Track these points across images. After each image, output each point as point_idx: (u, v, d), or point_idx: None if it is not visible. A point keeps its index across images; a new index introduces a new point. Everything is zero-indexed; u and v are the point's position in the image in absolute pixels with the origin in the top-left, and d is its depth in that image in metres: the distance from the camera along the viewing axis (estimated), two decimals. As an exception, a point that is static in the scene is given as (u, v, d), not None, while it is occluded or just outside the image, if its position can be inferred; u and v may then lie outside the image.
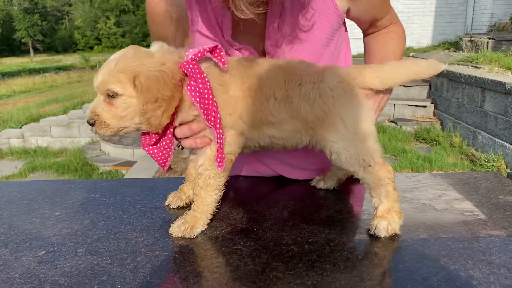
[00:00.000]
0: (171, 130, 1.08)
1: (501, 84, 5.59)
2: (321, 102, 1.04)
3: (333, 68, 1.09)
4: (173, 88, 0.99)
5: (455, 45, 10.07)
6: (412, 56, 9.82)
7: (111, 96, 0.99)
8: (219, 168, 1.04)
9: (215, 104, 1.00)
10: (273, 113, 1.05)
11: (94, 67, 30.94)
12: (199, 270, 0.88)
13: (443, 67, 1.13)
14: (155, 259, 0.93)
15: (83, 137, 11.87)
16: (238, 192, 1.32)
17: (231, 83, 1.04)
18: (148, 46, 1.11)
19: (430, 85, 8.15)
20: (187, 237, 1.02)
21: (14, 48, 62.27)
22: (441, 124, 7.54)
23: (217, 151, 1.03)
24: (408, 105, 8.01)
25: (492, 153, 5.75)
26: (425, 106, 7.98)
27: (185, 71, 1.00)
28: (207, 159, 1.06)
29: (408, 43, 11.33)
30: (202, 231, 1.05)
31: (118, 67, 0.98)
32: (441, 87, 7.66)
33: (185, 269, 0.88)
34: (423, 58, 8.91)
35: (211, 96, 1.00)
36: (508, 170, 5.34)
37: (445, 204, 1.18)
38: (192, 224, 1.04)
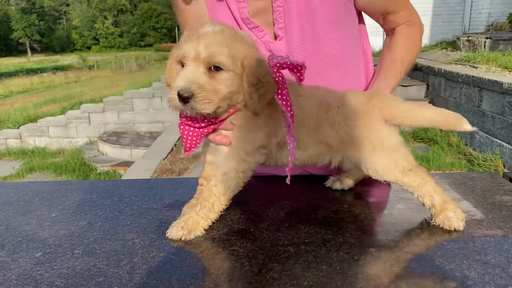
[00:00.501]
0: (218, 124, 1.05)
1: (498, 83, 5.60)
2: (345, 126, 1.07)
3: (353, 92, 1.14)
4: (269, 73, 0.98)
5: (453, 45, 10.09)
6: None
7: (215, 69, 0.94)
8: (288, 172, 1.03)
9: (292, 113, 0.99)
10: (304, 140, 1.08)
11: (91, 67, 30.89)
12: (195, 271, 0.88)
13: (468, 127, 1.06)
14: (152, 260, 0.93)
15: (81, 137, 11.87)
16: (235, 192, 1.32)
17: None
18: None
19: (427, 85, 8.17)
20: (182, 239, 1.02)
21: (12, 48, 62.15)
22: (439, 123, 7.55)
23: (290, 158, 1.02)
24: (406, 104, 8.00)
25: (490, 152, 5.76)
26: (422, 106, 7.98)
27: (275, 77, 0.99)
28: (232, 170, 1.04)
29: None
30: (199, 232, 1.05)
31: (227, 41, 0.94)
32: (438, 87, 7.68)
33: (182, 270, 0.89)
34: (421, 58, 8.94)
35: (291, 105, 0.99)
36: (505, 170, 5.36)
37: (441, 204, 1.19)
38: (193, 228, 1.02)
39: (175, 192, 1.32)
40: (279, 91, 0.99)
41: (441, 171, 5.55)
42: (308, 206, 1.19)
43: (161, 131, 11.14)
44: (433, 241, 0.98)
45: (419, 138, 7.16)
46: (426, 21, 12.19)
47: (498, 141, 5.69)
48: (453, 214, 1.03)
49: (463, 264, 0.88)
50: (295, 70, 1.00)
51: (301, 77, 1.01)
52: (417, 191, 1.06)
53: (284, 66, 0.99)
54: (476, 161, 5.79)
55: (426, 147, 6.82)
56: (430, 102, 7.97)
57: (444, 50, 9.94)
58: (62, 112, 12.69)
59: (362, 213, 1.15)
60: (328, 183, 1.34)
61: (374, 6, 1.33)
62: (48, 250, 0.99)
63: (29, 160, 10.56)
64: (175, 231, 1.02)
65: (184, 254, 0.95)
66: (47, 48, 63.82)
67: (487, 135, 5.97)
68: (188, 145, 1.06)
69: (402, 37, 1.37)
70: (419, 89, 8.23)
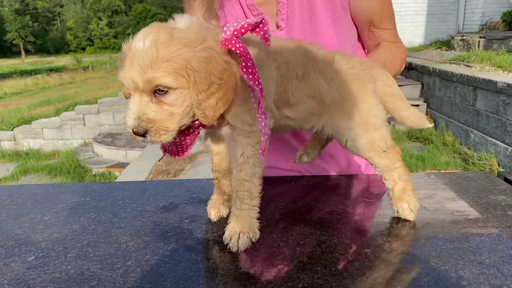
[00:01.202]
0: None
1: (493, 82, 5.63)
2: (337, 83, 1.05)
3: (343, 54, 1.12)
4: (227, 69, 0.85)
5: (447, 44, 10.13)
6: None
7: (160, 92, 0.84)
8: (262, 156, 0.94)
9: (261, 87, 0.87)
10: (294, 93, 1.02)
11: (86, 68, 30.78)
12: (189, 274, 0.87)
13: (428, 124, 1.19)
14: (146, 263, 0.92)
15: (76, 139, 11.81)
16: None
17: (268, 62, 0.95)
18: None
19: (422, 84, 8.20)
20: (254, 241, 0.96)
21: (5, 50, 61.81)
22: (434, 123, 7.58)
23: (262, 138, 0.91)
24: (401, 104, 8.03)
25: (484, 151, 5.79)
26: (417, 105, 8.01)
27: (235, 50, 0.85)
28: (247, 145, 0.93)
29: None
30: (193, 234, 1.04)
31: (161, 56, 0.82)
32: (433, 86, 7.70)
33: (176, 273, 0.88)
34: (416, 58, 8.97)
35: (258, 77, 0.86)
36: (500, 168, 5.38)
37: (436, 204, 1.19)
38: (249, 224, 0.96)
39: (169, 194, 1.31)
40: (243, 64, 0.85)
41: (436, 170, 5.57)
42: (302, 208, 1.19)
43: (156, 132, 11.07)
44: (428, 241, 0.98)
45: (414, 137, 7.18)
46: (421, 20, 12.25)
47: (493, 140, 5.71)
48: (407, 206, 1.07)
49: (458, 264, 0.88)
50: (257, 30, 0.90)
51: (266, 35, 0.90)
52: (383, 173, 1.10)
53: (243, 30, 0.88)
54: (471, 160, 5.81)
55: (421, 146, 6.84)
56: (425, 102, 8.00)
57: (439, 50, 9.98)
58: (57, 113, 12.61)
59: (357, 214, 1.15)
60: (296, 160, 1.32)
61: (362, 13, 1.40)
62: (40, 254, 0.98)
63: (23, 162, 10.49)
64: (241, 239, 0.93)
65: (178, 257, 0.94)
66: (41, 50, 63.50)
67: (482, 134, 5.99)
68: (181, 151, 1.00)
69: (386, 50, 1.42)
70: (413, 89, 8.25)
